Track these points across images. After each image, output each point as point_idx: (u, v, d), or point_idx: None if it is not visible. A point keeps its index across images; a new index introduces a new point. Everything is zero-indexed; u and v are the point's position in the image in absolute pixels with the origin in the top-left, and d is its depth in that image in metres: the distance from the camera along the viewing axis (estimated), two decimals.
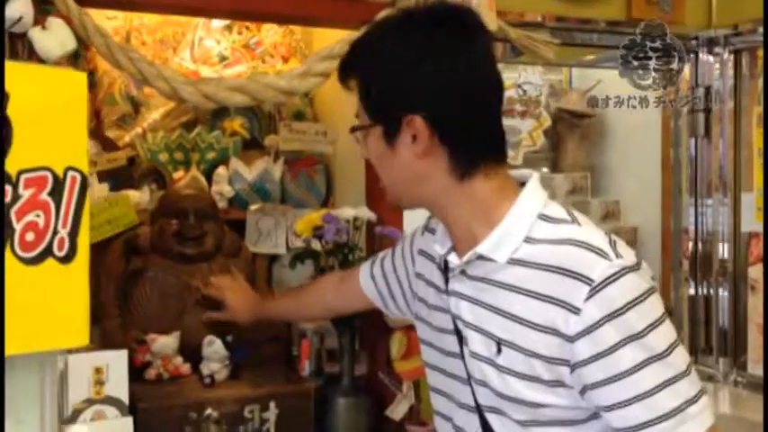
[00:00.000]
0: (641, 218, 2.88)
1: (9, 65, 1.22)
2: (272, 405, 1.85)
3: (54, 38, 1.66)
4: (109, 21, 2.43)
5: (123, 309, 2.06)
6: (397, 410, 1.95)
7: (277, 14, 2.17)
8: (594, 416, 1.11)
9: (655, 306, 1.07)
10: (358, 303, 1.66)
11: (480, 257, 1.15)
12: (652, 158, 2.76)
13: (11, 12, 1.58)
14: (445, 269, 1.25)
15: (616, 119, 2.99)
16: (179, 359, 1.96)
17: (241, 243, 2.25)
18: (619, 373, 1.04)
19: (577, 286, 1.06)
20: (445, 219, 1.21)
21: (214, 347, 1.94)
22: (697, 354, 2.61)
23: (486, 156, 1.16)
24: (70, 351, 1.48)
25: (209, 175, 2.34)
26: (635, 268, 1.08)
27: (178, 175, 2.31)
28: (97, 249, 1.96)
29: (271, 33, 2.62)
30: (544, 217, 1.15)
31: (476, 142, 1.16)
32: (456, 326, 1.21)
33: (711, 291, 2.60)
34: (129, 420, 1.64)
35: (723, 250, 2.58)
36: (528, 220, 1.14)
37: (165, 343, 1.95)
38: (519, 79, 2.43)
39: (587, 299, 1.05)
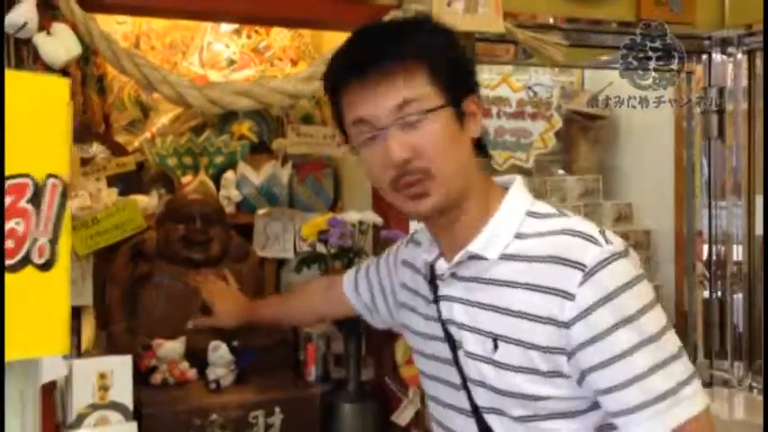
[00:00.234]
0: (654, 221, 2.85)
1: None
2: (276, 410, 1.85)
3: (59, 43, 1.66)
4: (119, 26, 2.46)
5: (130, 313, 2.07)
6: (403, 416, 1.93)
7: (285, 18, 2.17)
8: (592, 407, 1.12)
9: (645, 291, 1.09)
10: (344, 309, 1.65)
11: (472, 257, 1.16)
12: (665, 160, 2.73)
13: (16, 17, 1.59)
14: (432, 278, 1.25)
15: (628, 121, 2.96)
16: (185, 364, 1.97)
17: (248, 247, 2.25)
18: (614, 356, 1.06)
19: (571, 273, 1.07)
20: (457, 218, 1.17)
21: (220, 353, 1.93)
22: (711, 358, 2.57)
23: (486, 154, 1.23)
24: (70, 356, 1.48)
25: (217, 179, 2.34)
26: (624, 254, 1.10)
27: (187, 179, 2.31)
28: (104, 254, 1.98)
29: (280, 37, 2.62)
30: (532, 214, 1.17)
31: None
32: (447, 332, 1.21)
33: (726, 294, 2.57)
34: (134, 425, 1.65)
35: (737, 253, 2.54)
36: (517, 217, 1.16)
37: (172, 348, 1.95)
38: (530, 81, 2.41)
39: (581, 284, 1.07)
